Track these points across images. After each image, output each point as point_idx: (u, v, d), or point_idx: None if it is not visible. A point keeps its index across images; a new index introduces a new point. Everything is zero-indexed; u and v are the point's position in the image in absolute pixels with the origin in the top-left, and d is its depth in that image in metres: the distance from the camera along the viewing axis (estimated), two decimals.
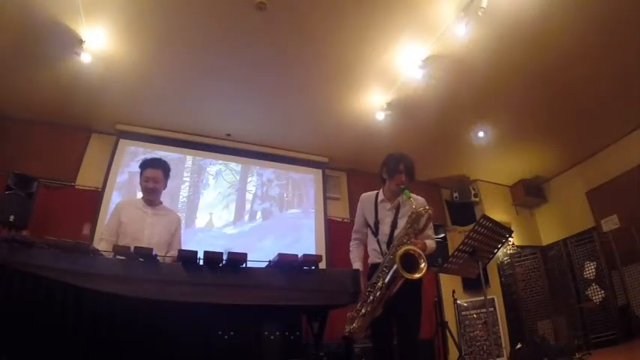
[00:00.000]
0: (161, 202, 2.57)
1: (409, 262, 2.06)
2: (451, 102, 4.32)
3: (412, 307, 2.20)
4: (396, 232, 2.28)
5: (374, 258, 2.36)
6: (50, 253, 1.53)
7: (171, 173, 2.61)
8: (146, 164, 2.50)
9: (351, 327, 2.18)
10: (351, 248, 2.52)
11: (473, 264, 2.60)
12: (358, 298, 2.09)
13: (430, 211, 2.20)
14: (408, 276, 2.00)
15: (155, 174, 2.47)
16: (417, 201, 2.22)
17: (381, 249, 2.32)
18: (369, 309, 2.12)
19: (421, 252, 2.10)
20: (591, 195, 5.36)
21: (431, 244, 2.32)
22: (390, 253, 2.19)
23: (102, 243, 2.31)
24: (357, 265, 2.41)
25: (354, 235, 2.54)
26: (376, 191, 2.49)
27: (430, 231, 2.38)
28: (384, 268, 2.14)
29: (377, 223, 2.37)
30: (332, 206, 5.45)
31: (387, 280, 2.08)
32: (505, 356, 4.81)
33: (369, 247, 2.45)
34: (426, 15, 3.29)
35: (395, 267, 2.03)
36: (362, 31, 3.47)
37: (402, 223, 2.29)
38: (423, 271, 2.03)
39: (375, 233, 2.37)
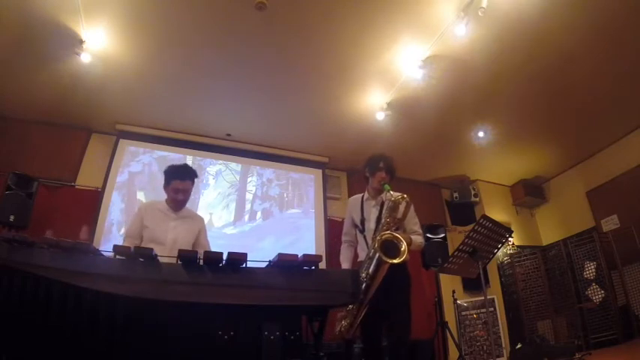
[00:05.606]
0: (184, 205, 2.54)
1: (390, 248, 2.09)
2: (451, 102, 4.32)
3: (400, 307, 2.23)
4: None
5: (364, 255, 2.38)
6: (50, 253, 1.53)
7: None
8: (175, 175, 2.42)
9: (341, 325, 2.21)
10: (341, 250, 2.57)
11: (473, 264, 2.61)
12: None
13: (407, 199, 2.22)
14: (390, 261, 2.03)
15: (185, 185, 2.42)
16: (395, 194, 2.27)
17: (367, 244, 2.36)
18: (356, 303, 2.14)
19: (399, 236, 2.13)
20: (591, 195, 5.36)
21: (417, 239, 2.34)
22: (372, 245, 2.22)
23: (127, 240, 2.33)
24: (345, 266, 2.46)
25: (344, 238, 2.60)
26: (362, 193, 2.57)
27: (416, 226, 2.42)
28: (368, 260, 2.17)
29: (363, 220, 2.44)
30: (332, 206, 5.45)
31: (371, 270, 2.10)
32: (505, 356, 4.81)
33: (359, 247, 2.49)
34: (426, 15, 3.29)
35: (377, 255, 2.05)
36: (362, 31, 3.47)
37: None
38: (405, 254, 2.06)
39: (362, 230, 2.43)
